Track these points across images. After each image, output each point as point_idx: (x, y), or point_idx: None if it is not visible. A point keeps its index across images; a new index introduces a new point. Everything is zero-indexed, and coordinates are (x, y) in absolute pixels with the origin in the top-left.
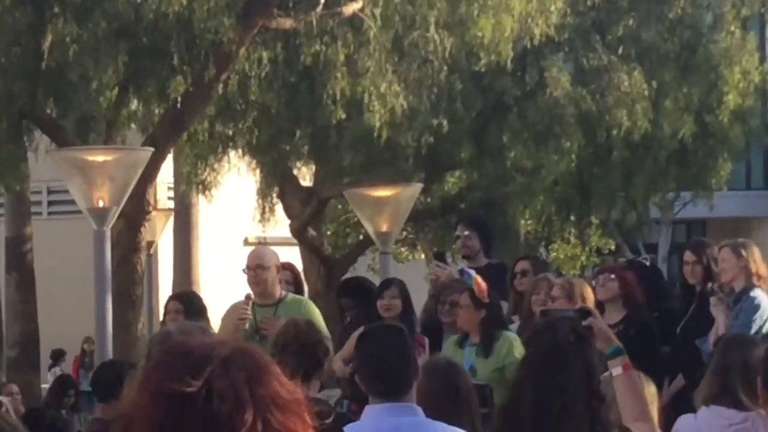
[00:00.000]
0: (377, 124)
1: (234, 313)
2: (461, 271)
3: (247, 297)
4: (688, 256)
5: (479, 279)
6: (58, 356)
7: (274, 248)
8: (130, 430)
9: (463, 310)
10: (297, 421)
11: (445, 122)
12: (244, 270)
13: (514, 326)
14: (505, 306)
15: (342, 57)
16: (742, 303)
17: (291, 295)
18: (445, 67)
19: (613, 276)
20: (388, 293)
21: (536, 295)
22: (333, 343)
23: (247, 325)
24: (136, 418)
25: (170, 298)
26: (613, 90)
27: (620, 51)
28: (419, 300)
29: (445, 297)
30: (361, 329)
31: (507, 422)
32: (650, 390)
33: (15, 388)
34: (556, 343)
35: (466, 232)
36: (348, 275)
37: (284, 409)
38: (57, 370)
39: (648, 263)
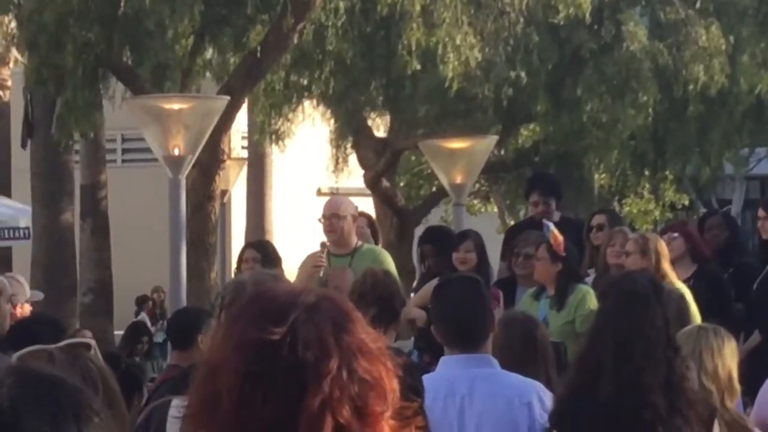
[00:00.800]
0: (450, 75)
1: (310, 261)
2: (541, 223)
3: (323, 245)
4: (762, 212)
5: (556, 232)
6: (142, 302)
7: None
8: (214, 379)
9: (540, 263)
10: (382, 369)
11: (521, 75)
12: (319, 219)
13: (590, 279)
14: None
15: (418, 8)
16: None
17: (366, 245)
18: (522, 20)
19: (676, 234)
20: (463, 246)
21: (611, 248)
22: (406, 293)
23: (322, 273)
24: (220, 367)
25: (246, 247)
26: (690, 44)
27: (698, 5)
28: (493, 252)
29: (519, 249)
30: (436, 279)
31: (585, 369)
32: (731, 345)
33: (88, 333)
34: (636, 291)
35: (539, 203)
36: (421, 226)
37: (369, 356)
38: (143, 316)
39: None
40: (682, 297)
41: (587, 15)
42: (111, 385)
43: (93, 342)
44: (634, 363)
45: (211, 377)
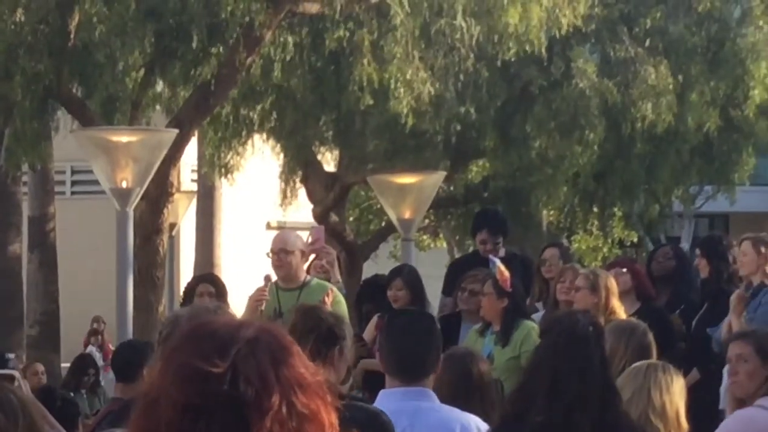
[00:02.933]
0: (404, 111)
1: (254, 295)
2: (487, 259)
3: (266, 278)
4: (698, 251)
5: (502, 267)
6: (92, 335)
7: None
8: (153, 412)
9: (486, 298)
10: (320, 403)
11: (471, 110)
12: (267, 254)
13: (539, 314)
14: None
15: (368, 43)
16: (760, 297)
17: (315, 280)
18: (472, 56)
19: (624, 269)
20: (394, 284)
21: (561, 284)
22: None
23: (268, 308)
24: (159, 400)
25: (200, 281)
26: (638, 83)
27: (647, 43)
28: (440, 286)
29: (465, 285)
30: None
31: (518, 404)
32: (679, 383)
33: (41, 367)
34: (576, 330)
35: (487, 242)
36: (370, 261)
37: (308, 390)
38: (92, 348)
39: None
40: (645, 332)
41: (542, 51)
42: (33, 417)
43: (17, 374)
44: (566, 401)
45: (150, 410)
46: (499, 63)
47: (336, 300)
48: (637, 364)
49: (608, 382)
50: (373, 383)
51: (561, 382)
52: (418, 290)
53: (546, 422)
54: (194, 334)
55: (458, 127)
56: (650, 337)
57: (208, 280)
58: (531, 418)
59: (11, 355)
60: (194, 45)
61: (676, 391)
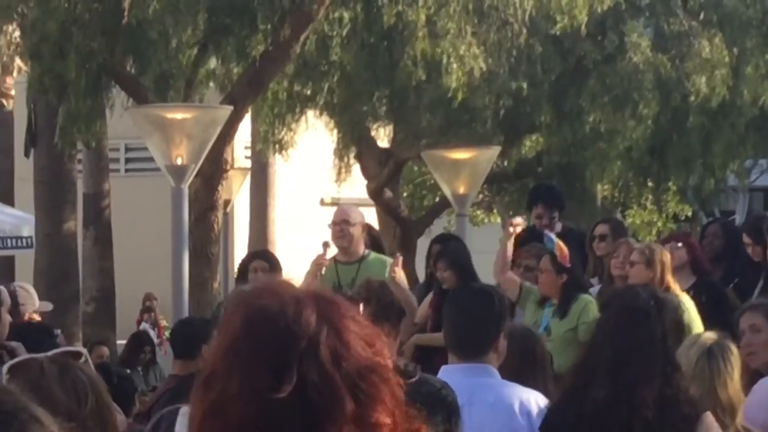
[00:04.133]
0: (454, 86)
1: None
2: (543, 235)
3: (325, 244)
4: (746, 239)
5: (561, 244)
6: (145, 312)
7: None
8: (221, 416)
9: (544, 275)
10: (384, 387)
11: (524, 85)
12: (329, 225)
13: (595, 289)
14: None
15: (423, 18)
16: None
17: (374, 254)
18: (525, 30)
19: (680, 244)
20: (440, 265)
21: (615, 259)
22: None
23: (327, 281)
24: (227, 408)
25: (254, 257)
26: (693, 56)
27: (701, 17)
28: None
29: (520, 260)
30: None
31: (580, 378)
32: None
33: (105, 351)
34: (637, 305)
35: (543, 216)
36: (424, 237)
37: (373, 376)
38: (146, 326)
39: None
40: (677, 307)
41: (583, 27)
42: (102, 395)
43: (84, 350)
44: (629, 376)
45: (219, 416)
46: (551, 38)
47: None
48: (693, 342)
49: (669, 357)
50: (424, 357)
51: (622, 356)
52: (464, 268)
53: (607, 397)
54: (254, 333)
55: (510, 102)
56: (682, 312)
57: (262, 256)
58: (592, 393)
59: (58, 331)
60: (247, 22)
61: (737, 378)
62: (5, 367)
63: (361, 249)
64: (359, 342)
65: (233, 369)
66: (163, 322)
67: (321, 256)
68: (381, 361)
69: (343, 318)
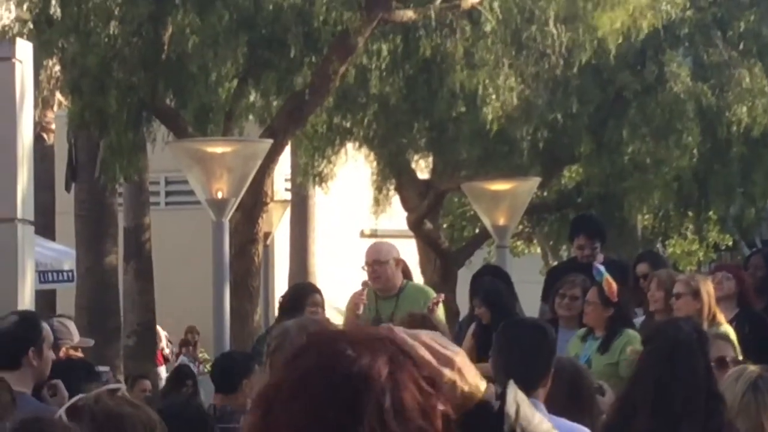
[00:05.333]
0: (490, 117)
1: (353, 300)
2: (585, 265)
3: (364, 284)
4: None
5: (610, 279)
6: (183, 345)
7: (390, 241)
8: None
9: (590, 307)
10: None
11: (559, 116)
12: (363, 267)
13: (638, 320)
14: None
15: (461, 50)
16: None
17: (411, 284)
18: (562, 61)
19: (730, 275)
20: (474, 302)
21: (648, 293)
22: (450, 335)
23: (367, 315)
24: None
25: (307, 290)
26: (733, 86)
27: (741, 47)
28: (535, 292)
29: (565, 291)
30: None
31: (622, 412)
32: None
33: (148, 385)
34: (680, 338)
35: (585, 246)
36: (465, 268)
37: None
38: (184, 359)
39: None
40: (723, 340)
41: (612, 57)
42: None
43: (123, 386)
44: (673, 409)
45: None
46: (590, 68)
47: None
48: (739, 374)
49: (713, 390)
50: None
51: (665, 390)
52: (498, 305)
53: (650, 431)
54: (325, 376)
55: (546, 134)
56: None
57: (317, 290)
58: (635, 427)
59: (105, 368)
60: (288, 55)
61: None
62: (62, 410)
63: (399, 282)
64: (418, 402)
65: (296, 410)
66: (204, 355)
67: (359, 296)
68: (439, 407)
69: (408, 373)
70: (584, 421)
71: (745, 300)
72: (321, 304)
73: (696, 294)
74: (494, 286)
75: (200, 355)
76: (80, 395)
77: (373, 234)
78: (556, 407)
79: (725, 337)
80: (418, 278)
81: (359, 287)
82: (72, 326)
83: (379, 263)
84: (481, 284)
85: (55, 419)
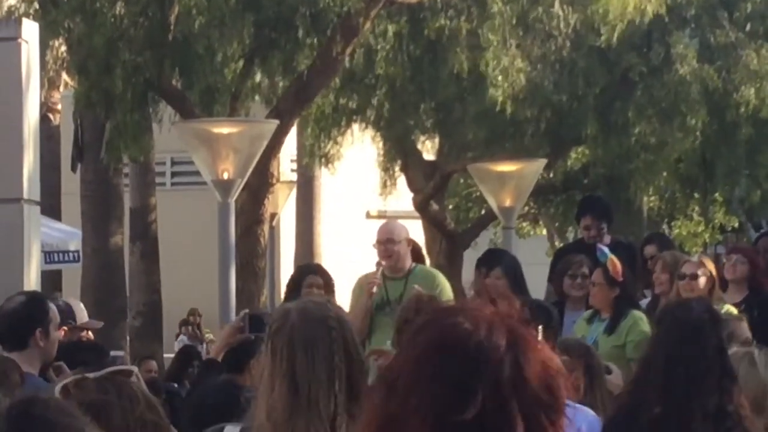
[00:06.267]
0: (500, 99)
1: (364, 281)
2: (595, 247)
3: (378, 265)
4: None
5: (615, 259)
6: (183, 325)
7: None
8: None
9: (596, 288)
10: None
11: (569, 98)
12: (374, 244)
13: (645, 301)
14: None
15: (465, 31)
16: None
17: (419, 267)
18: (568, 43)
19: (745, 259)
20: (494, 273)
21: (654, 275)
22: None
23: (375, 297)
24: (407, 420)
25: (306, 271)
26: (740, 67)
27: (747, 28)
28: (541, 274)
29: (574, 270)
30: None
31: (634, 393)
32: None
33: (154, 365)
34: (690, 318)
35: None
36: (471, 249)
37: (544, 414)
38: (183, 339)
39: None
40: (738, 320)
41: (615, 38)
42: (156, 412)
43: (135, 369)
44: (683, 390)
45: (395, 425)
46: (596, 50)
47: (441, 283)
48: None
49: (726, 370)
50: None
51: (675, 371)
52: (519, 280)
53: (662, 414)
54: (444, 350)
55: (552, 115)
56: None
57: (314, 271)
58: (647, 409)
59: (120, 353)
60: (296, 34)
61: None
62: (58, 387)
63: (408, 263)
64: (540, 375)
65: (418, 384)
66: (209, 336)
67: (374, 278)
68: (557, 396)
69: (528, 347)
70: (592, 401)
71: (756, 283)
72: (318, 285)
73: (705, 275)
74: (516, 262)
75: (206, 335)
76: (81, 374)
77: (380, 215)
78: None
79: (740, 318)
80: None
81: (366, 268)
82: (79, 307)
83: (392, 242)
84: (503, 256)
85: (50, 399)
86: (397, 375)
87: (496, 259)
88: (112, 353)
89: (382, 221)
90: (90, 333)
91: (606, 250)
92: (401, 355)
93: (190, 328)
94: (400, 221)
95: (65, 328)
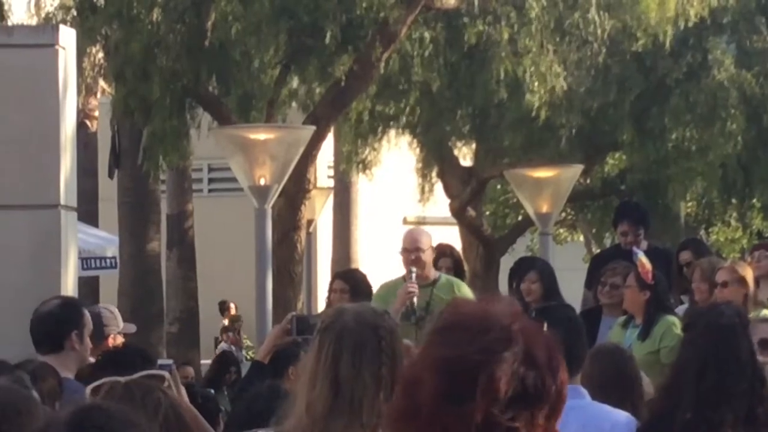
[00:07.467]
0: (537, 105)
1: (385, 291)
2: (631, 252)
3: (409, 271)
4: None
5: (644, 260)
6: (223, 332)
7: (433, 228)
8: (412, 394)
9: (628, 290)
10: (551, 382)
11: (604, 103)
12: (400, 252)
13: (683, 308)
14: None
15: (506, 36)
16: None
17: (445, 277)
18: (604, 49)
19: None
20: (528, 277)
21: (693, 283)
22: None
23: (415, 300)
24: (420, 384)
25: (336, 277)
26: None
27: None
28: (578, 280)
29: (606, 278)
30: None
31: (666, 398)
32: None
33: (191, 371)
34: (722, 323)
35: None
36: (508, 255)
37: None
38: (224, 345)
39: None
40: None
41: (667, 44)
42: (184, 419)
43: (167, 374)
44: (715, 394)
45: (411, 392)
46: (632, 56)
47: (464, 293)
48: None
49: (758, 373)
50: None
51: (707, 376)
52: (552, 284)
53: (694, 419)
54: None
55: (589, 121)
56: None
57: (342, 277)
58: (679, 412)
59: (168, 361)
60: (329, 42)
61: None
62: (88, 389)
63: (433, 272)
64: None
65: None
66: (247, 342)
67: (411, 285)
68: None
69: (542, 340)
70: (626, 405)
71: None
72: (344, 290)
73: (740, 281)
74: (549, 266)
75: (243, 341)
76: (113, 378)
77: (417, 221)
78: (599, 392)
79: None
80: None
81: (396, 277)
82: (117, 313)
83: (419, 250)
84: (535, 261)
85: (110, 407)
86: (419, 371)
87: (529, 265)
88: (160, 361)
89: (421, 227)
90: (120, 338)
91: (639, 253)
92: (420, 349)
93: (231, 334)
94: (437, 228)
95: (113, 334)
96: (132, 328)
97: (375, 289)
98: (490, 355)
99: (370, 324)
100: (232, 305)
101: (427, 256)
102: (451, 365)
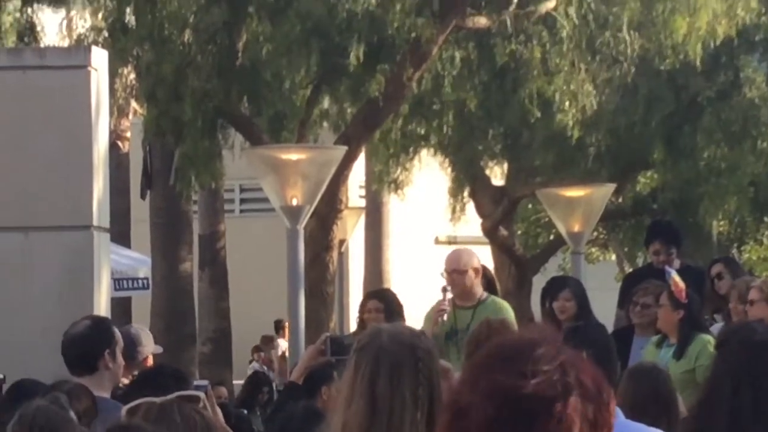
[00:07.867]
0: (569, 124)
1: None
2: (661, 271)
3: (444, 289)
4: None
5: (677, 279)
6: (255, 351)
7: (465, 247)
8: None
9: (661, 310)
10: (606, 413)
11: (634, 122)
12: (441, 273)
13: (717, 327)
14: None
15: (538, 56)
16: None
17: (492, 298)
18: (633, 68)
19: None
20: (562, 295)
21: (731, 303)
22: None
23: (445, 326)
24: (469, 411)
25: (370, 297)
26: None
27: None
28: (611, 300)
29: (637, 298)
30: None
31: (699, 417)
32: None
33: (224, 391)
34: (754, 340)
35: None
36: (540, 275)
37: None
38: (255, 365)
39: None
40: None
41: (698, 62)
42: None
43: (203, 395)
44: (750, 412)
45: (459, 420)
46: (664, 74)
47: (505, 312)
48: None
49: None
50: None
51: (742, 393)
52: (585, 302)
53: None
54: (504, 353)
55: (620, 140)
56: None
57: (376, 296)
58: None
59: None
60: (360, 62)
61: None
62: (124, 409)
63: (478, 292)
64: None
65: (479, 379)
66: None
67: (441, 302)
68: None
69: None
70: (661, 424)
71: None
72: (378, 309)
73: (764, 299)
74: (581, 284)
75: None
76: (148, 399)
77: (449, 240)
78: (634, 411)
79: None
80: None
81: (436, 294)
82: (149, 333)
83: (458, 272)
84: (568, 280)
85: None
86: (461, 394)
87: (562, 284)
88: (196, 382)
89: (452, 247)
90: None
91: (672, 271)
92: (467, 375)
93: (263, 354)
94: (469, 246)
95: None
96: (158, 349)
97: (404, 307)
98: (553, 389)
99: (407, 344)
100: (286, 324)
101: (468, 278)
102: (507, 394)
